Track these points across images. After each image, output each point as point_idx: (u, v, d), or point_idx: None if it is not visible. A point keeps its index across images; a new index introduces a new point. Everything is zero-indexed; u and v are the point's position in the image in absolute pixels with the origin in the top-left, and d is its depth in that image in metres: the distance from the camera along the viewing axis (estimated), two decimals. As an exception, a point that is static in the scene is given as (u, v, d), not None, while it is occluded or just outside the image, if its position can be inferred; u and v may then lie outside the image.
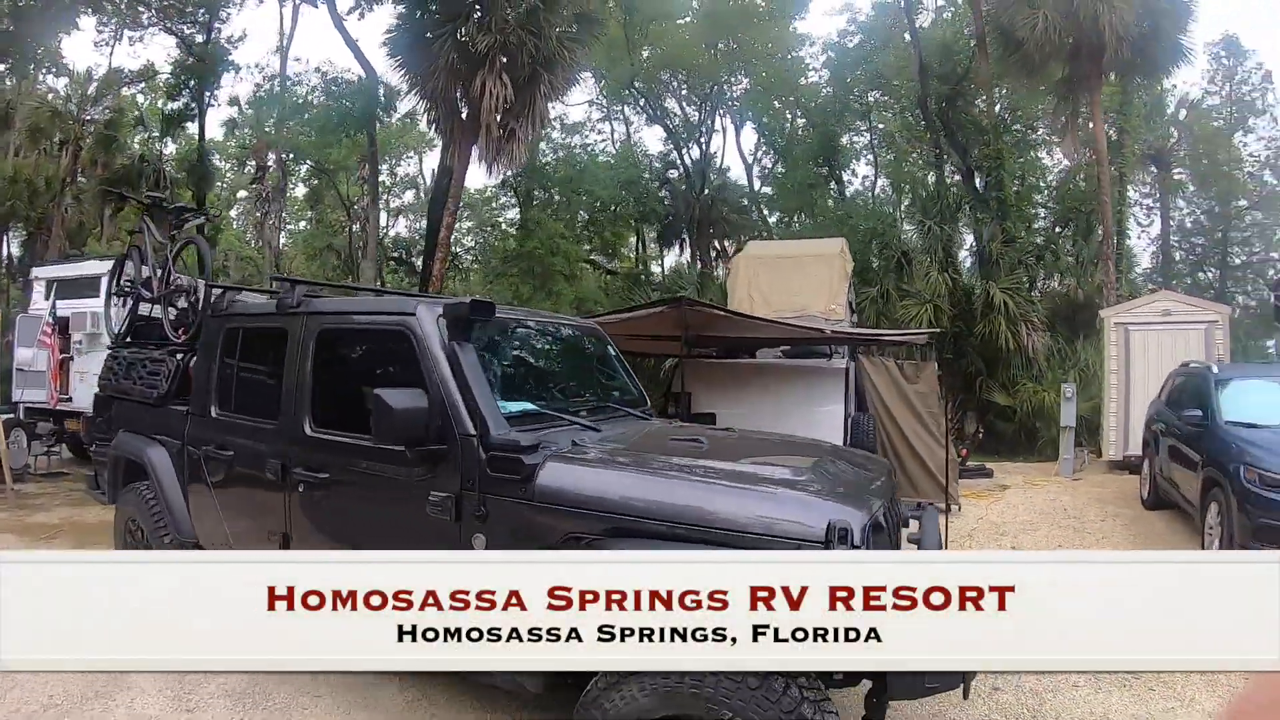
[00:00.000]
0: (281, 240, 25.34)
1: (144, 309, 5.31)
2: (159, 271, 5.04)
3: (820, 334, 6.80)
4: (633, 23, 20.95)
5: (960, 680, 2.44)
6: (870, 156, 26.14)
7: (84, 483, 5.51)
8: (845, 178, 26.16)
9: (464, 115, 12.73)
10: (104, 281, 7.36)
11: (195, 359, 4.32)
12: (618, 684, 2.41)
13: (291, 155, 17.73)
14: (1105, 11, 11.53)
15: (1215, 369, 7.57)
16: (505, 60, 11.63)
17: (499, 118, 12.20)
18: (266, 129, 18.56)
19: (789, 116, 26.11)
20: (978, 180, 17.38)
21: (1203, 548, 6.18)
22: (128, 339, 5.23)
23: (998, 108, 15.82)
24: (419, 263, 30.04)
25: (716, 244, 25.87)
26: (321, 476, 3.37)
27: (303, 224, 27.71)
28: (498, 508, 2.82)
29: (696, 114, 25.17)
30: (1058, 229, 19.14)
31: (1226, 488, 5.83)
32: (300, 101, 16.95)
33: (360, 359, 3.78)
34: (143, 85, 18.57)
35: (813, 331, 6.75)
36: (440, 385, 2.98)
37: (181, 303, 4.87)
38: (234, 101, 19.14)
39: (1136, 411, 10.40)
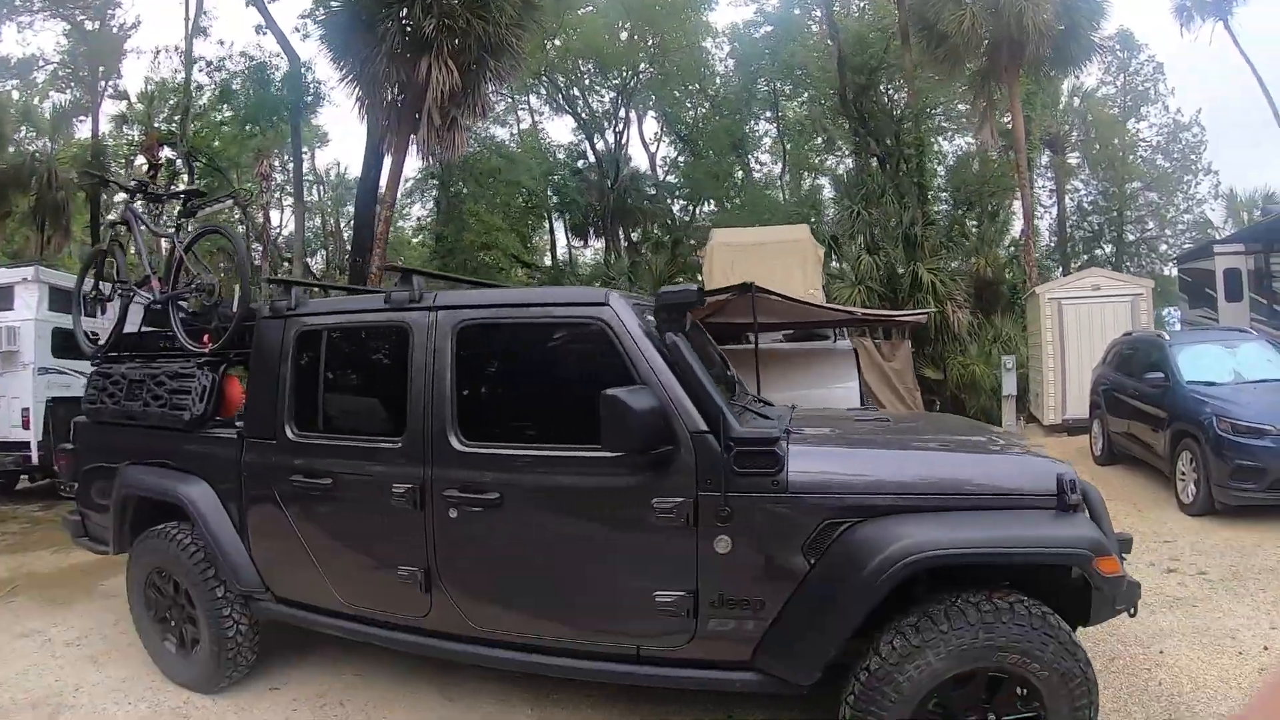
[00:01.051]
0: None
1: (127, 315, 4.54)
2: (157, 269, 4.36)
3: (851, 315, 7.01)
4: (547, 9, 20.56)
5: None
6: (776, 144, 27.06)
7: (65, 528, 4.57)
8: (752, 165, 26.91)
9: (399, 103, 12.00)
10: (75, 284, 6.54)
11: (250, 372, 3.63)
12: (911, 655, 2.41)
13: (189, 151, 16.04)
14: (1029, 10, 12.37)
15: (1168, 337, 8.42)
16: (453, 45, 11.04)
17: (441, 106, 11.60)
18: (157, 123, 16.68)
19: (694, 106, 26.51)
20: (887, 165, 18.32)
21: (1175, 493, 6.86)
22: (112, 352, 4.43)
23: (919, 98, 16.66)
24: (314, 262, 28.42)
25: (623, 234, 25.92)
26: (488, 498, 2.87)
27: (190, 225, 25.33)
28: (744, 505, 2.61)
29: (607, 103, 25.09)
30: (959, 211, 20.48)
31: (1200, 438, 6.51)
32: (216, 89, 15.25)
33: (526, 358, 3.20)
34: (31, 75, 16.13)
35: (843, 314, 6.93)
36: (659, 381, 2.69)
37: (193, 305, 4.22)
38: (122, 95, 17.06)
39: (1073, 379, 11.41)
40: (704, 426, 2.65)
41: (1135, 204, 19.91)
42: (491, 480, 2.90)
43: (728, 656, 2.70)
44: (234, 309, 3.89)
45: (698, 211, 27.78)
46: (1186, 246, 18.41)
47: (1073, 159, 19.41)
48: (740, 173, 26.13)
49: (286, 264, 25.13)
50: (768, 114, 25.36)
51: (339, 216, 26.86)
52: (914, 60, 15.40)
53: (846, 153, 22.17)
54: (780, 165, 26.66)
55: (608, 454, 2.63)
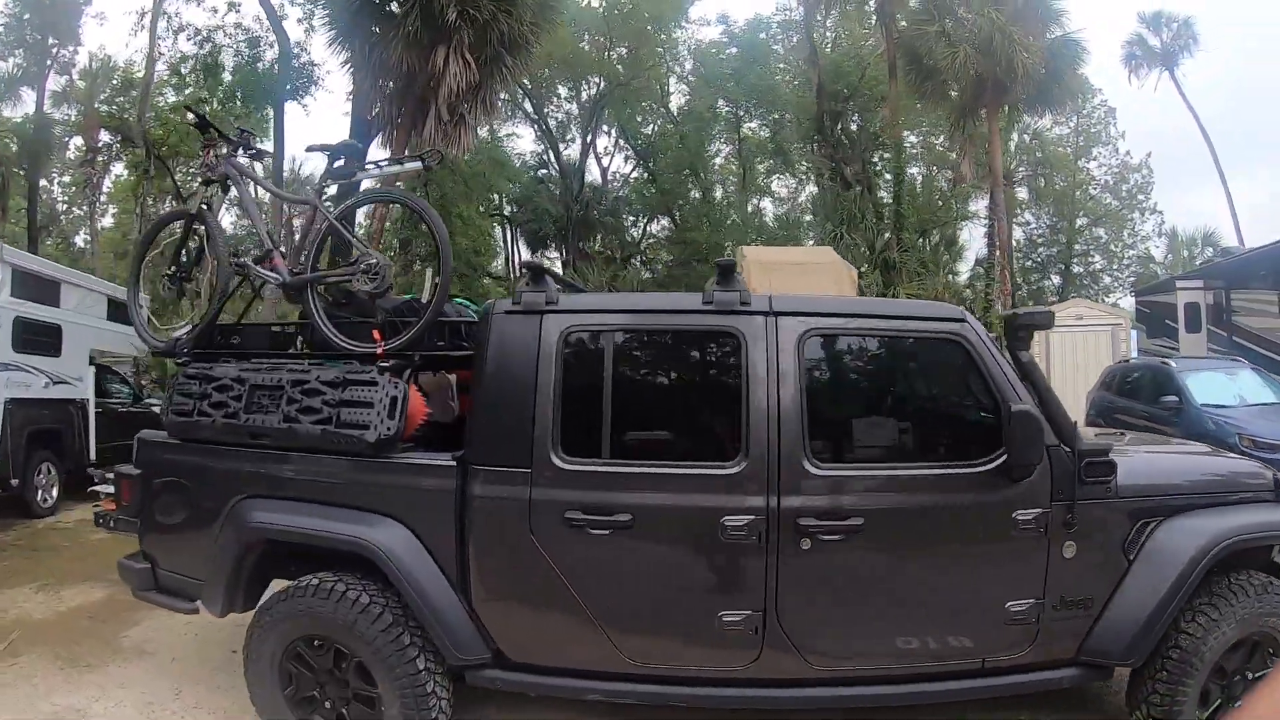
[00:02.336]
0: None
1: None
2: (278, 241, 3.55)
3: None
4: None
5: None
6: (726, 167, 27.19)
7: (126, 578, 3.44)
8: (708, 184, 26.91)
9: (402, 94, 11.07)
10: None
11: (478, 382, 2.86)
12: (1213, 627, 2.72)
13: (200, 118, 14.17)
14: (1020, 54, 12.81)
15: (1175, 364, 8.83)
16: (472, 38, 10.26)
17: (450, 100, 10.78)
18: (99, 103, 14.67)
19: (652, 123, 26.31)
20: (861, 190, 18.70)
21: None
22: (200, 349, 3.36)
23: (897, 128, 17.05)
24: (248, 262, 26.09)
25: (580, 246, 25.36)
26: (849, 524, 2.60)
27: (116, 216, 22.59)
28: (1085, 512, 2.75)
29: (575, 114, 24.48)
30: (919, 238, 21.18)
31: (1223, 455, 6.94)
32: (199, 64, 13.41)
33: (874, 372, 3.09)
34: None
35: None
36: (1021, 397, 2.72)
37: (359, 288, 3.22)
38: (67, 68, 14.85)
39: (1065, 402, 11.71)
40: (1056, 440, 2.74)
41: (1082, 238, 21.22)
42: (851, 505, 2.66)
43: (1057, 656, 2.80)
44: (426, 298, 3.23)
45: (648, 228, 27.66)
46: (1130, 280, 19.86)
47: (1020, 192, 20.46)
48: (696, 192, 26.13)
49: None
50: (725, 135, 25.53)
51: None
52: (899, 91, 15.73)
53: (808, 178, 22.53)
54: (731, 186, 26.78)
55: (981, 470, 2.68)
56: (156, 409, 11.50)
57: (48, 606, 5.21)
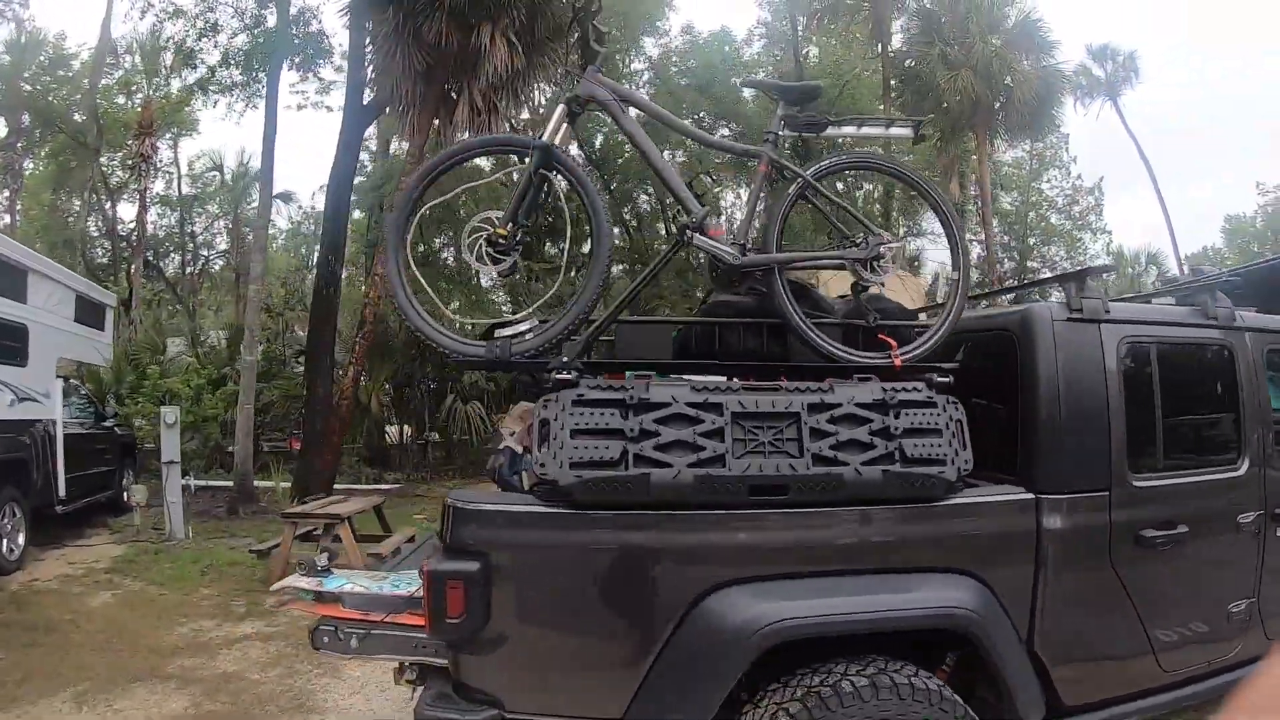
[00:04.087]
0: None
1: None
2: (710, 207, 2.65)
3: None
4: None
5: None
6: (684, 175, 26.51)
7: (431, 711, 2.14)
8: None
9: (427, 75, 9.70)
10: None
11: (1035, 397, 2.44)
12: None
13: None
14: (1017, 80, 13.15)
15: None
16: (521, 20, 9.13)
17: (488, 86, 9.58)
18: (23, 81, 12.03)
19: (604, 130, 25.48)
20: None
21: None
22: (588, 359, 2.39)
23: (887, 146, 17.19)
24: (169, 266, 23.07)
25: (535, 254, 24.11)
26: None
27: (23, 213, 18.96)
28: None
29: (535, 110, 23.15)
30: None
31: None
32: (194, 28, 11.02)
33: None
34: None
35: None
36: None
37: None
38: None
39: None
40: None
41: (1032, 257, 22.38)
42: None
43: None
44: (947, 298, 2.59)
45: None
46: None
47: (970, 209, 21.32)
48: (651, 203, 25.53)
49: (145, 264, 20.08)
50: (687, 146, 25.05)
51: (236, 213, 22.01)
52: (889, 110, 15.84)
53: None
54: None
55: None
56: (120, 430, 9.54)
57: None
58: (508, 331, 2.39)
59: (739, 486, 2.07)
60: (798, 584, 2.14)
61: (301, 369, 15.22)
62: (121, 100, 16.74)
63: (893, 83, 15.21)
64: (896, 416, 2.19)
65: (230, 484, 10.63)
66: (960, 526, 2.28)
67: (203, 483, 9.79)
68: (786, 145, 2.86)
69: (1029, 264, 20.81)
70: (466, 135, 9.80)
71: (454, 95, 9.79)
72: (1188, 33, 64.14)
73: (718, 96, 21.65)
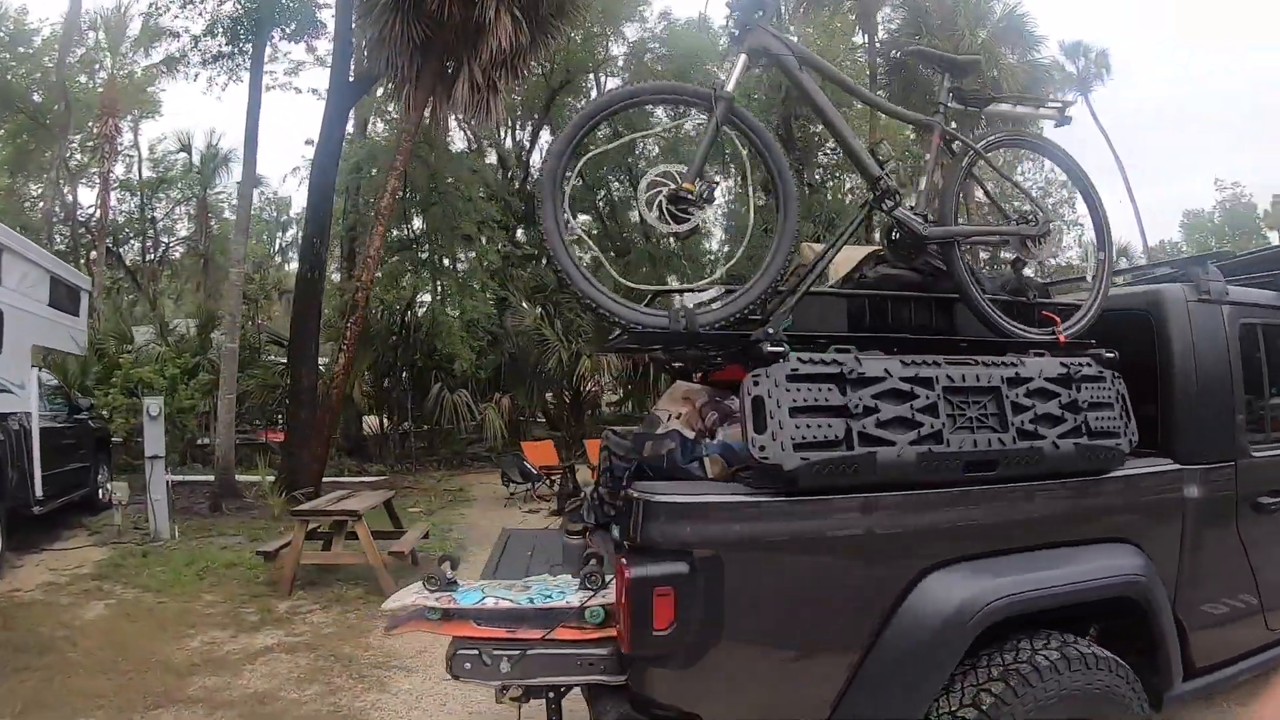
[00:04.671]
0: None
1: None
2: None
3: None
4: None
5: None
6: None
7: None
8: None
9: (428, 49, 9.15)
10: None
11: (1173, 372, 2.57)
12: None
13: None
14: (1003, 76, 13.23)
15: None
16: (527, -8, 8.67)
17: (490, 62, 9.11)
18: None
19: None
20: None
21: None
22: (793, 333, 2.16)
23: (873, 133, 17.14)
24: (129, 253, 21.63)
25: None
26: None
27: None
28: None
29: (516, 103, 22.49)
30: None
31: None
32: None
33: None
34: None
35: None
36: None
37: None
38: None
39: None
40: None
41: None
42: None
43: None
44: (1091, 278, 2.68)
45: (573, 224, 26.28)
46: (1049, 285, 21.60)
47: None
48: (625, 190, 25.18)
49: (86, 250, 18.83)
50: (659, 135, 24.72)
51: (204, 195, 20.75)
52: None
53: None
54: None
55: None
56: (94, 423, 8.80)
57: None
58: (689, 301, 2.09)
59: (955, 463, 2.04)
60: (1002, 561, 2.11)
61: (276, 358, 14.51)
62: (84, 80, 15.67)
63: (880, 74, 15.16)
64: (1079, 390, 2.24)
65: (211, 478, 9.99)
66: (1128, 498, 2.39)
67: (179, 477, 9.13)
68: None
69: (1004, 254, 21.27)
70: (464, 114, 9.34)
71: (450, 71, 9.28)
72: (1175, 29, 64.92)
73: (696, 84, 21.41)
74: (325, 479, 10.05)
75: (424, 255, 14.81)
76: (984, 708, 1.96)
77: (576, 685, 2.12)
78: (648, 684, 1.89)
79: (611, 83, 24.01)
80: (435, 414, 14.53)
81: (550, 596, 2.03)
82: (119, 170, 19.60)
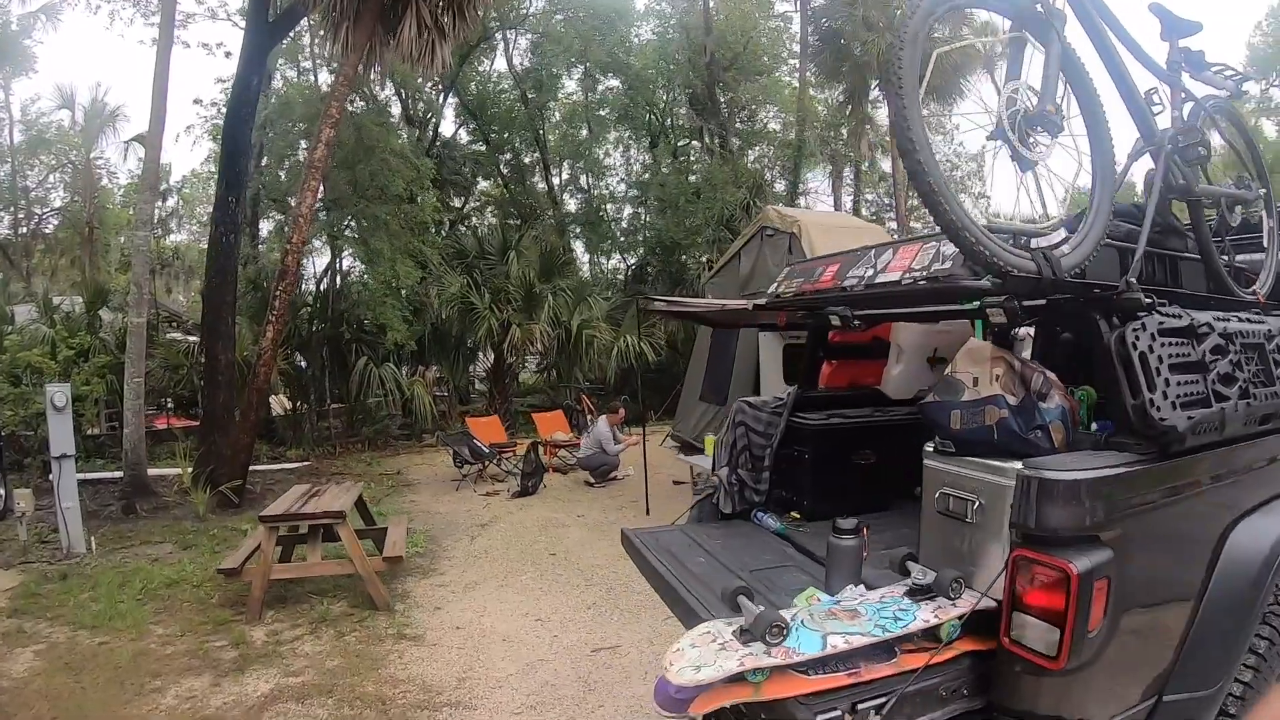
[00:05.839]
0: None
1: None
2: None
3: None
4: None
5: None
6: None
7: None
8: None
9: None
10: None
11: None
12: None
13: None
14: (939, 49, 13.39)
15: None
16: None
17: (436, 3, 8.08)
18: None
19: (476, 80, 23.44)
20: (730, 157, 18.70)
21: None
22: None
23: (803, 100, 17.07)
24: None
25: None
26: None
27: None
28: None
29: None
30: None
31: None
32: None
33: None
34: None
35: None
36: None
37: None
38: None
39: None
40: None
41: (914, 216, 23.79)
42: None
43: None
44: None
45: (476, 187, 24.95)
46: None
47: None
48: (532, 154, 24.01)
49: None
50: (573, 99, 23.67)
51: (89, 157, 17.45)
52: (805, 68, 15.75)
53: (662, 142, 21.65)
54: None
55: None
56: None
57: None
58: (1042, 242, 1.76)
59: (1257, 416, 2.05)
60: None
61: (175, 335, 12.69)
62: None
63: (812, 40, 15.09)
64: None
65: (119, 475, 8.57)
66: None
67: (81, 476, 7.72)
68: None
69: (912, 225, 22.15)
70: (409, 57, 8.28)
71: (393, 15, 8.17)
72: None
73: (607, 47, 20.52)
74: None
75: (348, 219, 13.30)
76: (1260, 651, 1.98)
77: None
78: (1028, 697, 1.65)
79: (522, 42, 22.81)
80: (358, 391, 13.29)
81: (895, 619, 1.62)
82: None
